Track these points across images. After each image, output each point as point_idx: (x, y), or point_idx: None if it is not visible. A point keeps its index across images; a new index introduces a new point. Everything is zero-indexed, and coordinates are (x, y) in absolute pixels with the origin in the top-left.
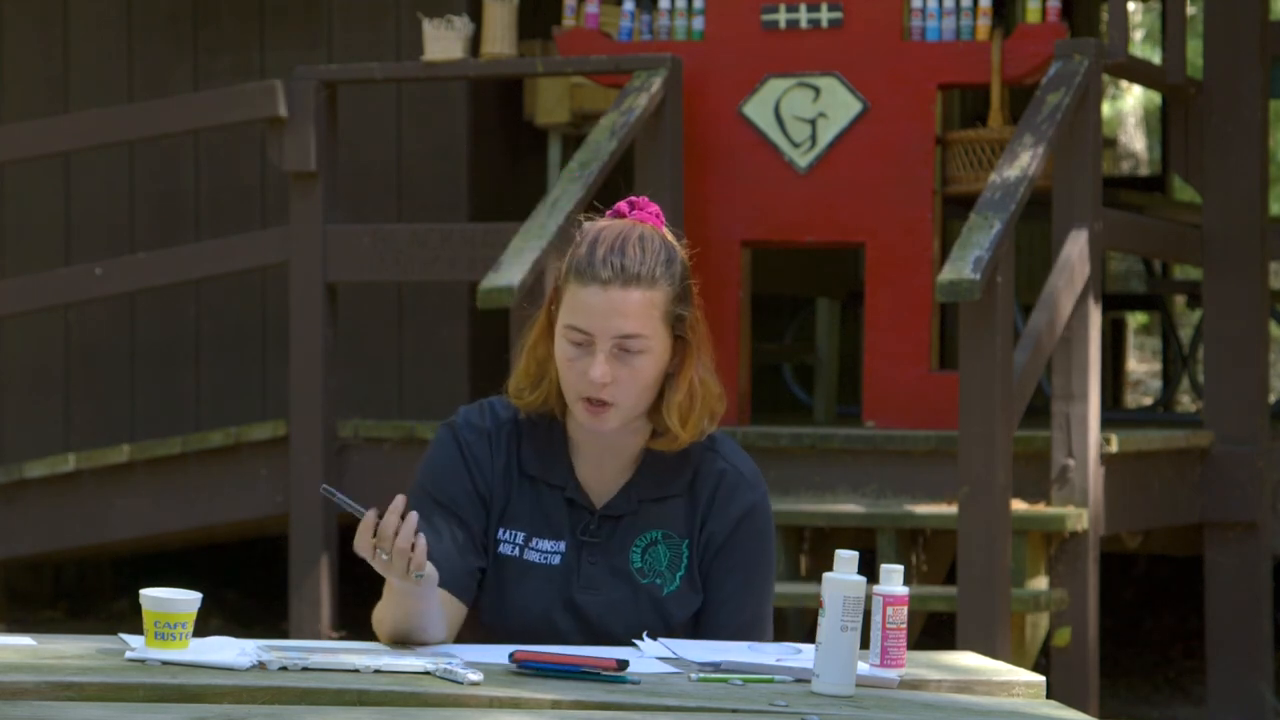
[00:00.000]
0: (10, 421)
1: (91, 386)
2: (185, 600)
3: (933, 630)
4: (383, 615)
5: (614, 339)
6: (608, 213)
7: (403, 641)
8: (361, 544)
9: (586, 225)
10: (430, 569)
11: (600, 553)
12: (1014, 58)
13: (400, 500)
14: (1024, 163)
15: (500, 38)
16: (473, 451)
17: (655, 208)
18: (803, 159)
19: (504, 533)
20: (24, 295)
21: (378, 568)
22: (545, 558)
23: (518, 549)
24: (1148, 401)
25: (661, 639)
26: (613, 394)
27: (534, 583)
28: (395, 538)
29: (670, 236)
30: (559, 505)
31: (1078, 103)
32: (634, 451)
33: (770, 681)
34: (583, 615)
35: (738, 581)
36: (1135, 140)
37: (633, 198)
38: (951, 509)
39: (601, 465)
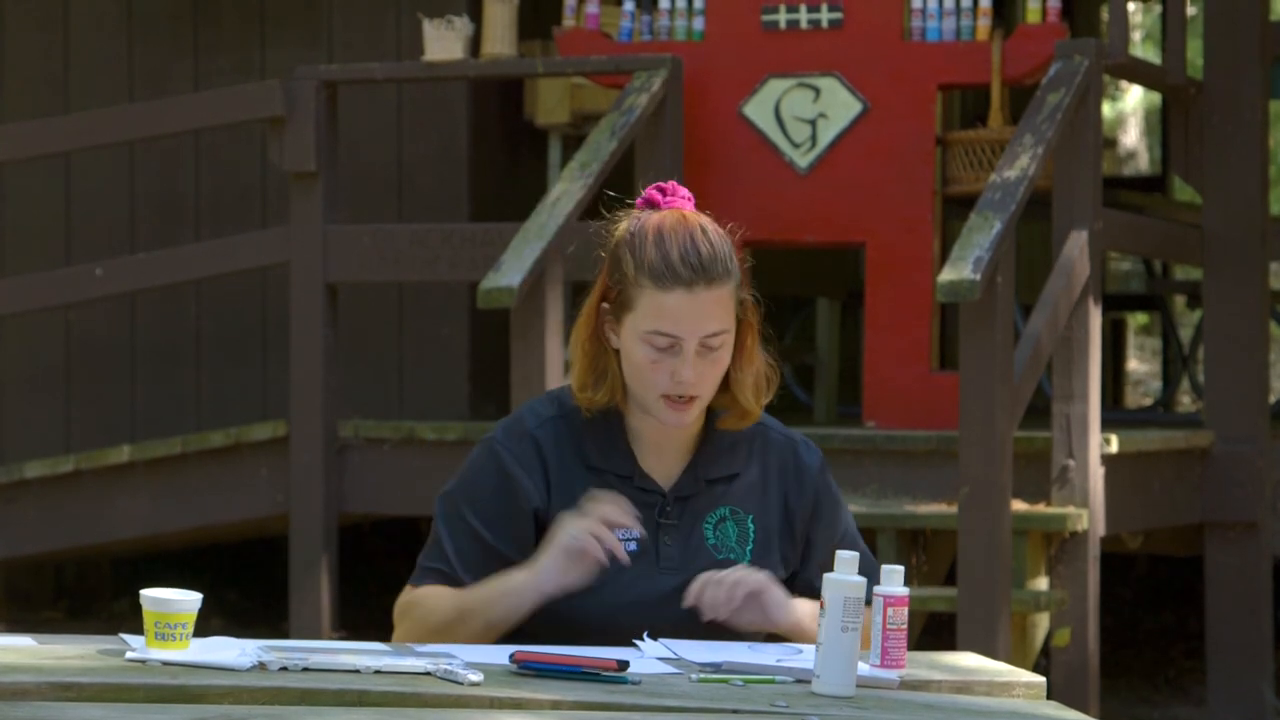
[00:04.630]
0: (10, 421)
1: (92, 386)
2: (185, 601)
3: (933, 630)
4: (465, 607)
5: (701, 338)
6: (639, 202)
7: (448, 637)
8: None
9: (636, 218)
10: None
11: (676, 533)
12: (1014, 58)
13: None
14: (1024, 163)
15: (500, 38)
16: (518, 460)
17: (687, 192)
18: (803, 159)
19: None
20: (24, 295)
21: (571, 558)
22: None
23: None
24: (1148, 402)
25: (662, 639)
26: (697, 389)
27: (611, 571)
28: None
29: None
30: (627, 494)
31: (1078, 103)
32: (692, 435)
33: (771, 682)
34: (667, 596)
35: (840, 532)
36: (1135, 141)
37: (661, 184)
38: (952, 509)
39: (663, 451)
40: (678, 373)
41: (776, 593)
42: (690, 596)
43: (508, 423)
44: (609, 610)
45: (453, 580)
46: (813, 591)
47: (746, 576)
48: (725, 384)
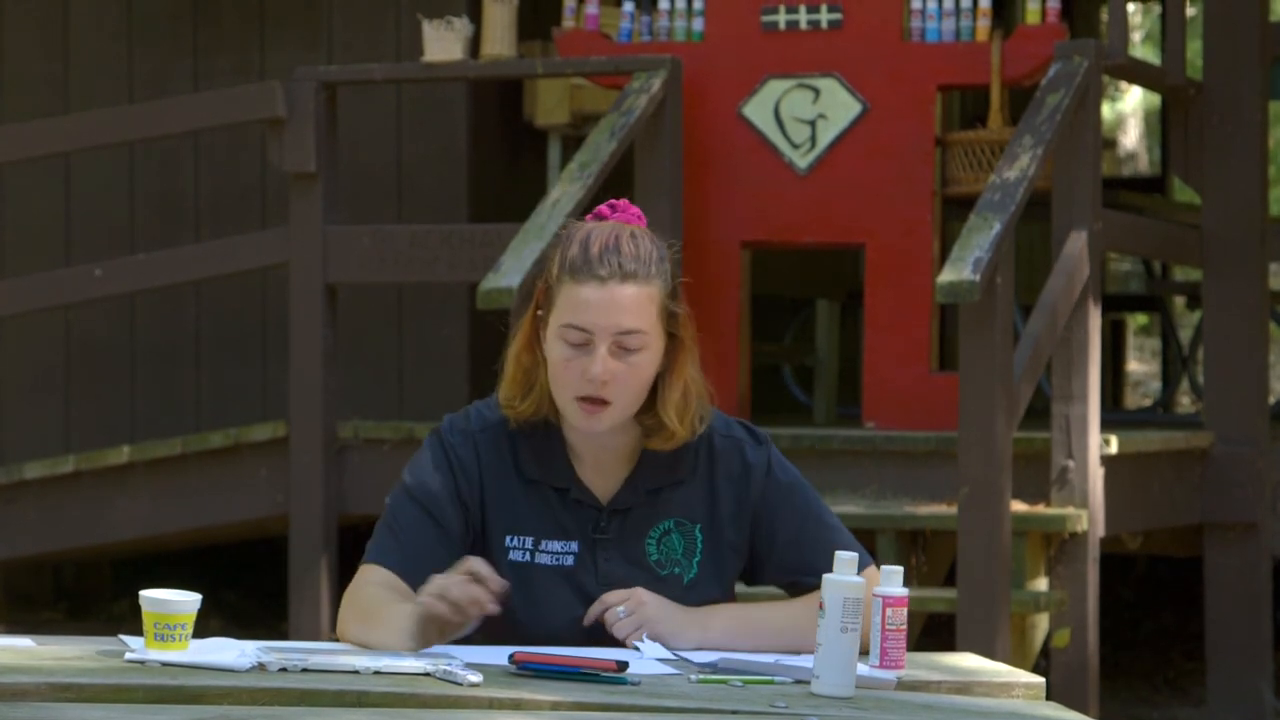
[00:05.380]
0: (10, 422)
1: (91, 387)
2: (185, 601)
3: (932, 631)
4: (368, 632)
5: (614, 335)
6: (588, 216)
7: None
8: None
9: (572, 227)
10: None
11: (614, 548)
12: (1014, 59)
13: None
14: (1023, 164)
15: (500, 39)
16: (457, 454)
17: (637, 210)
18: (802, 160)
19: (512, 539)
20: (24, 295)
21: (438, 617)
22: (557, 559)
23: (528, 554)
24: (1147, 402)
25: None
26: (611, 392)
27: (549, 586)
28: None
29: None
30: (565, 507)
31: (1077, 104)
32: (630, 448)
33: (770, 683)
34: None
35: (802, 513)
36: (1135, 141)
37: (613, 201)
38: (951, 510)
39: (601, 464)
40: (587, 369)
41: (673, 621)
42: (589, 619)
43: (454, 418)
44: (551, 629)
45: (399, 553)
46: (785, 577)
47: (633, 626)
48: (652, 402)
